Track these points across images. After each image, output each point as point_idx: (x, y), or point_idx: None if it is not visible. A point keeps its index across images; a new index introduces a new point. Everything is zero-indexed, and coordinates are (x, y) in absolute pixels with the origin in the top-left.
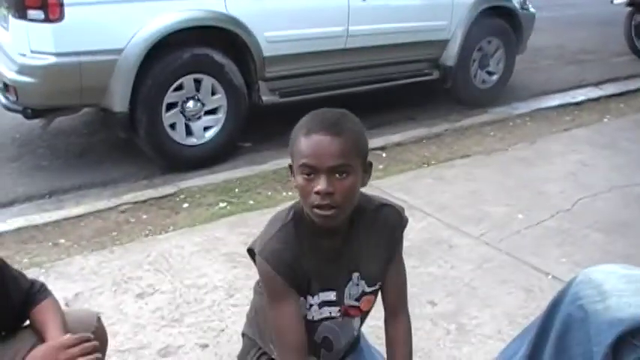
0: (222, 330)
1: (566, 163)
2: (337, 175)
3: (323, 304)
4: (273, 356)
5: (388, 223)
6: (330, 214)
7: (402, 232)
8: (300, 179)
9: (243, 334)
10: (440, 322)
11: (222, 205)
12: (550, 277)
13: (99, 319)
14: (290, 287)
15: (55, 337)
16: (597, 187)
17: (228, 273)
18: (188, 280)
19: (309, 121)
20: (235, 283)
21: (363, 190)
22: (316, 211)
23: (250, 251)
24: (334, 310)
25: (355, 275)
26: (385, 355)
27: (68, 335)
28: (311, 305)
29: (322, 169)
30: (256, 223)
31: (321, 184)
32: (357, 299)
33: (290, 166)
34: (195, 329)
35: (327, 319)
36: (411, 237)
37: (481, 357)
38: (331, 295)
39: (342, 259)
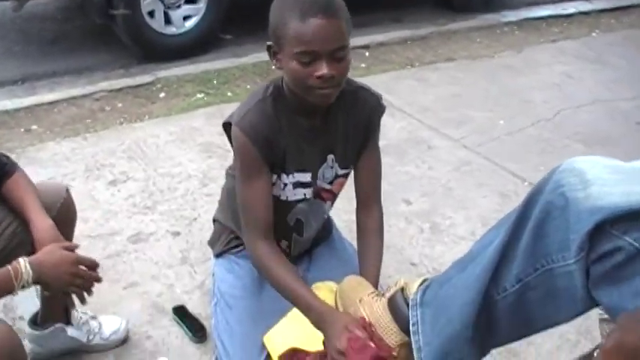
0: (195, 219)
1: (551, 73)
2: (337, 57)
3: (297, 184)
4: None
5: (366, 106)
6: (330, 92)
7: (380, 118)
8: (295, 65)
9: (214, 220)
10: (414, 221)
11: (199, 95)
12: (527, 183)
13: (67, 190)
14: (264, 162)
15: (38, 218)
16: (581, 99)
17: (203, 163)
18: (162, 168)
19: (299, 1)
20: (210, 172)
21: None
22: (317, 91)
23: (226, 125)
24: (308, 192)
25: (330, 157)
26: (356, 247)
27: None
28: (285, 185)
29: (324, 53)
30: None
31: (324, 69)
32: (330, 182)
33: (270, 47)
34: (167, 217)
35: (300, 201)
36: (390, 136)
37: (453, 256)
38: (307, 177)
39: (319, 139)
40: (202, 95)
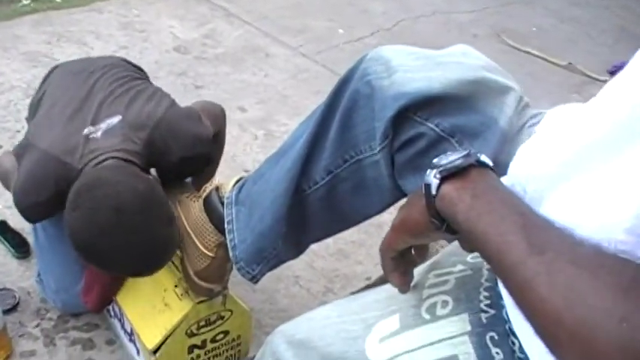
0: (18, 131)
1: None
2: None
3: None
4: None
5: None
6: None
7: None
8: None
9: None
10: (249, 128)
11: (25, 2)
12: None
13: None
14: None
15: None
16: (420, 10)
17: (28, 72)
18: None
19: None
20: (34, 82)
21: None
22: None
23: None
24: None
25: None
26: None
27: None
28: None
29: None
30: (62, 22)
31: None
32: None
33: None
34: None
35: None
36: (226, 44)
37: None
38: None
39: None
40: (28, 1)
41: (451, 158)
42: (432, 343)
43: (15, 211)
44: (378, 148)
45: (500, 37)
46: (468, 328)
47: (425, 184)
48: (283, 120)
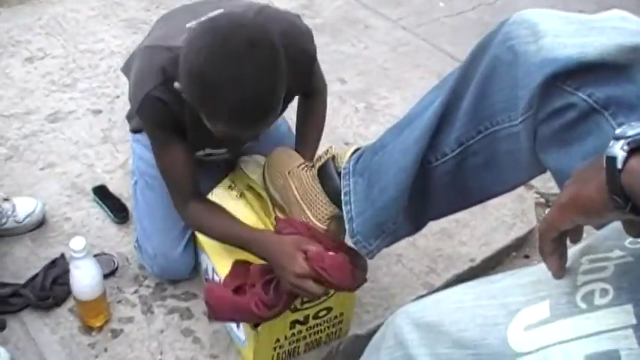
0: (118, 96)
1: None
2: None
3: (211, 154)
4: None
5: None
6: None
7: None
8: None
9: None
10: (348, 100)
11: None
12: None
13: None
14: (176, 137)
15: None
16: None
17: (127, 39)
18: (83, 45)
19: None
20: (133, 48)
21: None
22: None
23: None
24: (223, 152)
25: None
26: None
27: None
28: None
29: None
30: None
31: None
32: None
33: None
34: (88, 95)
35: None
36: (325, 15)
37: None
38: (222, 151)
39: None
40: None
41: None
42: (588, 335)
43: (115, 175)
44: (519, 119)
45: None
46: (633, 321)
47: (608, 157)
48: (383, 93)
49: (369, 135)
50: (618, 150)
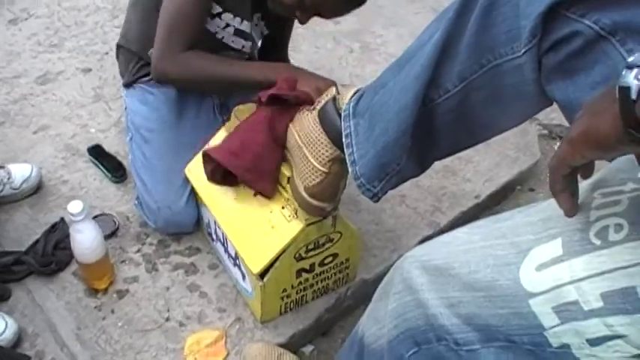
0: (107, 53)
1: None
2: None
3: (239, 32)
4: None
5: None
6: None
7: None
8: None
9: (118, 46)
10: (343, 41)
11: None
12: None
13: None
14: None
15: None
16: None
17: None
18: (67, 2)
19: None
20: (119, 3)
21: None
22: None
23: None
24: (247, 46)
25: (256, 15)
26: None
27: None
28: (227, 25)
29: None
30: None
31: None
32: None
33: None
34: (76, 54)
35: (235, 50)
36: None
37: None
38: (247, 26)
39: None
40: None
41: None
42: (603, 273)
43: (109, 134)
44: (523, 50)
45: None
46: None
47: (621, 87)
48: (379, 31)
49: (366, 75)
50: (632, 79)
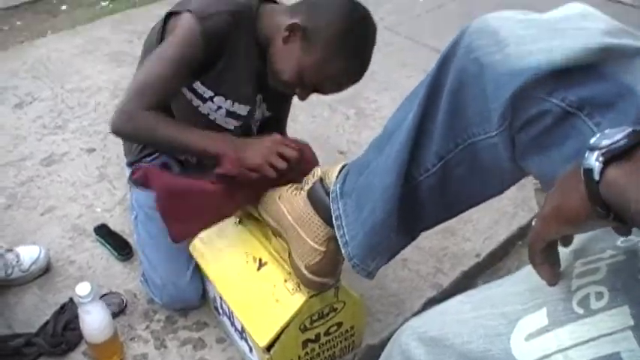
0: (110, 132)
1: None
2: None
3: (231, 114)
4: None
5: None
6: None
7: None
8: (300, 71)
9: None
10: (339, 108)
11: (104, 3)
12: None
13: None
14: (196, 63)
15: None
16: None
17: (113, 73)
18: (70, 84)
19: (361, 54)
20: (121, 83)
21: None
22: (281, 86)
23: (168, 14)
24: (238, 127)
25: (259, 97)
26: None
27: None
28: (219, 107)
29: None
30: (142, 19)
31: (305, 97)
32: (257, 124)
33: (296, 25)
34: (80, 134)
35: (227, 130)
36: None
37: None
38: (244, 110)
39: (257, 78)
40: (107, 3)
41: (614, 138)
42: (588, 341)
43: (114, 212)
44: (495, 132)
45: None
46: (631, 322)
47: (585, 169)
48: (373, 96)
49: (362, 141)
50: (594, 161)
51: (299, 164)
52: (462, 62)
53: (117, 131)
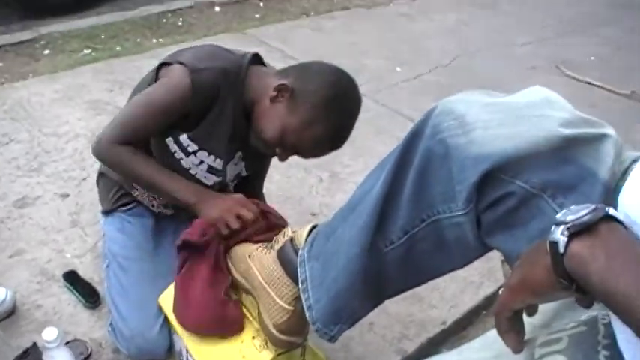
0: (84, 179)
1: (446, 20)
2: None
3: (211, 170)
4: (134, 194)
5: None
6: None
7: None
8: (281, 131)
9: (100, 174)
10: (313, 171)
11: (86, 51)
12: None
13: None
14: (177, 116)
15: None
16: (476, 45)
17: (92, 120)
18: (48, 128)
19: (339, 125)
20: (99, 130)
21: None
22: (262, 147)
23: (164, 64)
24: (217, 183)
25: (238, 154)
26: None
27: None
28: (201, 162)
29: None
30: (123, 69)
31: (284, 158)
32: (233, 182)
33: (284, 86)
34: (54, 179)
35: (206, 186)
36: None
37: None
38: (219, 164)
39: (238, 139)
40: (89, 51)
41: (579, 214)
42: None
43: (85, 259)
44: (460, 212)
45: (558, 68)
46: None
47: (550, 242)
48: (347, 162)
49: (335, 204)
50: (559, 235)
51: (253, 226)
52: (429, 142)
53: (95, 156)
